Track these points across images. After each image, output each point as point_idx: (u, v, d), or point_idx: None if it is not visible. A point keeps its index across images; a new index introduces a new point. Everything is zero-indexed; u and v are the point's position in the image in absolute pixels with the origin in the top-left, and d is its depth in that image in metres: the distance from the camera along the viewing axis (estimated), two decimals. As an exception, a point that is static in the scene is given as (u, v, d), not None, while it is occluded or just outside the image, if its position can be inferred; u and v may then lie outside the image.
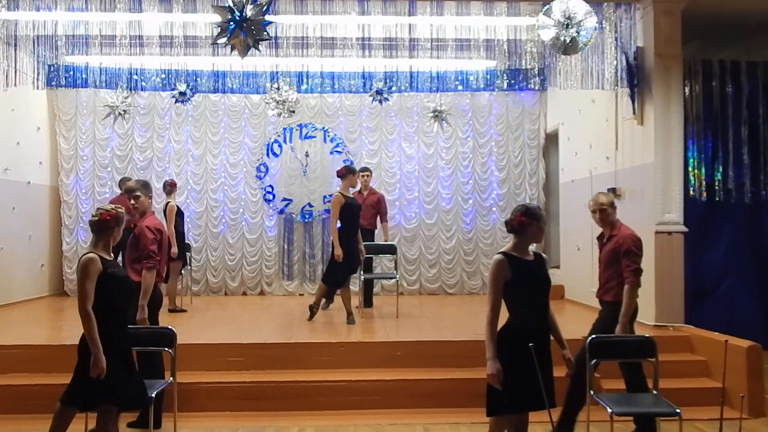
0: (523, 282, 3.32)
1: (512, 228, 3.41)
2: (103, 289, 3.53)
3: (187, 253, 8.23)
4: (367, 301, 7.81)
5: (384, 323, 6.90)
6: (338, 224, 6.71)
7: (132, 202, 4.78)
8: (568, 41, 5.25)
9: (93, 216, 3.70)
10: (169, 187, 7.64)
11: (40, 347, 5.59)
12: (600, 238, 4.58)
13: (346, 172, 6.87)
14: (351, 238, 6.72)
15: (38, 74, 8.31)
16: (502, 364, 3.22)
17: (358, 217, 6.91)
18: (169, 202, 7.47)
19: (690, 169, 6.50)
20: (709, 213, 6.52)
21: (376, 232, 8.03)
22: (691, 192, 6.49)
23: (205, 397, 5.04)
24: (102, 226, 3.66)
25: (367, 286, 7.85)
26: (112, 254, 3.78)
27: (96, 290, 3.51)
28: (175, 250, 7.18)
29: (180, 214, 7.66)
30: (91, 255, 3.57)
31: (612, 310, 4.30)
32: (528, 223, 3.36)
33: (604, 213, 4.41)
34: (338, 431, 4.74)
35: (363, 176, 7.83)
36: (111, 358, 3.51)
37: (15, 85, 7.37)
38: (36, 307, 8.25)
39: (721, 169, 6.54)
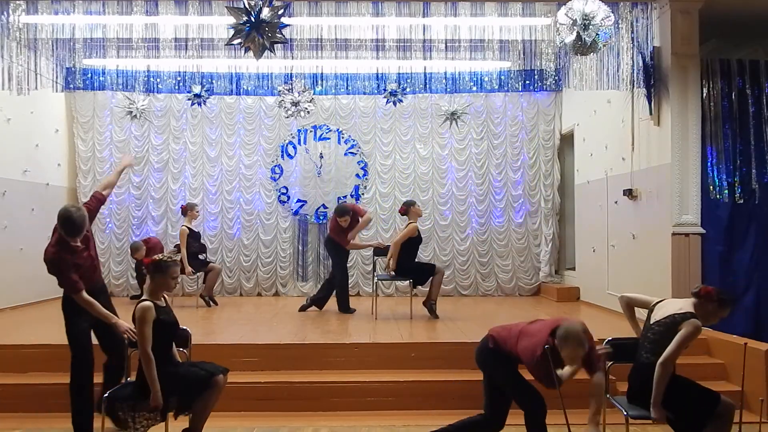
0: None
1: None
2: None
3: (202, 255, 8.45)
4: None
5: (398, 324, 6.90)
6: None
7: None
8: (582, 42, 5.21)
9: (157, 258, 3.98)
10: (183, 210, 8.37)
11: (60, 347, 5.64)
12: None
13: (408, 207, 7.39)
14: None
15: (57, 77, 8.44)
16: None
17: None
18: (182, 225, 8.19)
19: (710, 169, 6.43)
20: (734, 214, 6.42)
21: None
22: (712, 193, 6.41)
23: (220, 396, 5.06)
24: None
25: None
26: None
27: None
28: (188, 269, 7.91)
29: (192, 235, 8.21)
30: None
31: None
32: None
33: None
34: (352, 432, 4.75)
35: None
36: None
37: (36, 88, 7.49)
38: (56, 307, 8.32)
39: (742, 169, 6.45)
